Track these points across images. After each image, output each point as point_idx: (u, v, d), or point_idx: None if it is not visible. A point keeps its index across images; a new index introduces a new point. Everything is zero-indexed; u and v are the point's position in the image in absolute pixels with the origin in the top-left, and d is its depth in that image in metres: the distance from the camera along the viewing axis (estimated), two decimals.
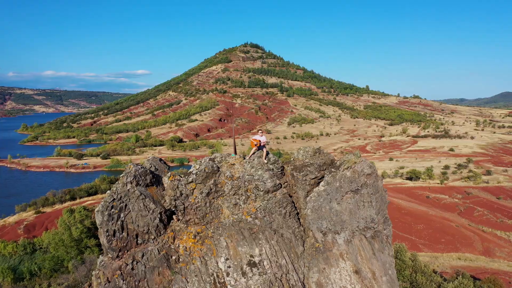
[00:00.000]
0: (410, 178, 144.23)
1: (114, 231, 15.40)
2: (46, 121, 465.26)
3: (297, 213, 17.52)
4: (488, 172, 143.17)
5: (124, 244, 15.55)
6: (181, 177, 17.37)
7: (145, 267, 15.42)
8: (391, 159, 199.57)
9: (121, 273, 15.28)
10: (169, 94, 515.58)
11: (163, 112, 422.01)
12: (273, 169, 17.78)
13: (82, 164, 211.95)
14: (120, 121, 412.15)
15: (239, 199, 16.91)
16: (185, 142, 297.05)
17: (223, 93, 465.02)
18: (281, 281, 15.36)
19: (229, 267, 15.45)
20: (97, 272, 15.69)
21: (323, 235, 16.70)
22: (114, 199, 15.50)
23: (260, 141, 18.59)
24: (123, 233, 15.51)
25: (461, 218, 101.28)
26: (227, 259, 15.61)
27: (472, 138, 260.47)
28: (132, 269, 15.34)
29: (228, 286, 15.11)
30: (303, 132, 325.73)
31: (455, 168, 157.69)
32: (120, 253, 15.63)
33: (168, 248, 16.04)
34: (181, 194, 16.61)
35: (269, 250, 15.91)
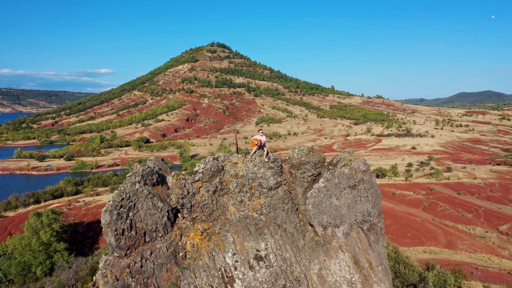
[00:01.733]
0: (376, 176, 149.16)
1: (123, 230, 15.64)
2: (3, 121, 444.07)
3: (297, 209, 18.39)
4: (449, 169, 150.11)
5: (133, 243, 15.84)
6: (188, 176, 17.79)
7: (153, 264, 15.78)
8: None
9: (130, 270, 15.57)
10: (135, 94, 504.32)
11: (128, 112, 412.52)
12: (273, 167, 18.55)
13: (45, 166, 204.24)
14: (84, 121, 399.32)
15: (244, 196, 17.58)
16: (152, 142, 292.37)
17: (190, 93, 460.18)
18: (286, 273, 16.17)
19: (237, 261, 16.09)
20: (104, 271, 15.86)
21: (324, 228, 17.68)
22: (123, 198, 15.74)
23: (260, 140, 19.29)
24: (132, 231, 15.79)
25: (426, 213, 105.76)
26: (234, 254, 16.24)
27: (432, 136, 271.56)
28: (141, 266, 15.67)
29: (236, 280, 15.75)
30: (271, 131, 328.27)
31: (418, 165, 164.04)
32: (128, 252, 15.90)
33: (176, 245, 16.46)
34: (188, 193, 17.04)
35: (274, 244, 16.69)
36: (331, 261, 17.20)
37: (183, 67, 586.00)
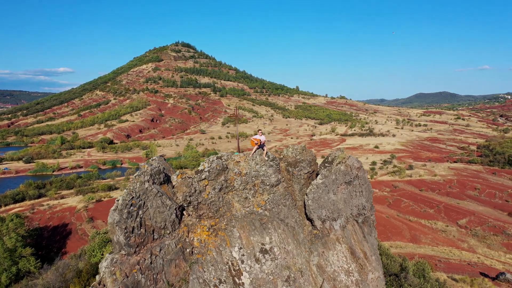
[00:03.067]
0: None
1: (133, 228, 16.07)
2: None
3: (295, 204, 19.45)
4: (410, 167, 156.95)
5: (142, 240, 16.29)
6: (194, 175, 18.40)
7: (163, 260, 16.31)
8: (323, 157, 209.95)
9: (140, 267, 16.02)
10: (97, 94, 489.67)
11: (90, 113, 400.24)
12: (273, 165, 19.50)
13: (2, 169, 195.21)
14: (43, 122, 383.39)
15: (248, 193, 18.42)
16: (116, 143, 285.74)
17: (154, 93, 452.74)
18: (289, 265, 17.18)
19: (243, 255, 16.92)
20: (112, 269, 16.19)
21: (322, 222, 18.85)
22: (133, 197, 16.15)
23: (260, 140, 20.20)
24: (141, 229, 16.25)
25: (391, 209, 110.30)
26: (240, 248, 17.05)
27: (393, 136, 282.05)
28: (151, 263, 16.15)
29: (244, 273, 16.58)
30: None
31: (381, 164, 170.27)
32: (137, 249, 16.32)
33: (184, 241, 17.05)
34: (195, 191, 17.68)
35: (278, 237, 17.65)
36: (329, 252, 18.40)
37: (147, 67, 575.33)
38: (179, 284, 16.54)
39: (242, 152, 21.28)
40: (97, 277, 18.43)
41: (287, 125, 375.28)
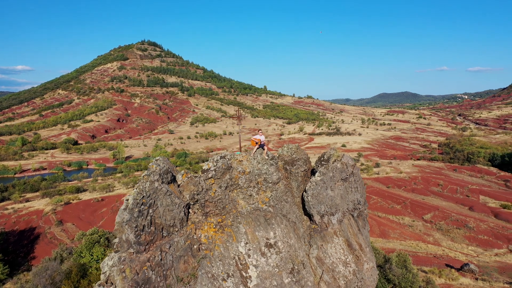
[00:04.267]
0: None
1: (144, 226, 16.51)
2: None
3: (294, 201, 20.44)
4: (377, 165, 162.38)
5: (152, 238, 16.76)
6: (200, 174, 19.00)
7: (172, 257, 16.84)
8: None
9: (150, 264, 16.48)
10: (59, 93, 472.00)
11: (52, 113, 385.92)
12: (274, 164, 20.42)
13: None
14: (1, 122, 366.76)
15: (252, 190, 19.24)
16: (81, 144, 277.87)
17: (120, 92, 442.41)
18: (292, 257, 18.14)
19: (249, 250, 17.72)
20: (122, 267, 16.54)
21: (321, 217, 19.96)
22: (143, 196, 16.59)
23: (260, 140, 21.05)
24: (151, 227, 16.72)
25: None
26: (246, 243, 17.85)
27: (359, 134, 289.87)
28: (161, 259, 16.65)
29: (250, 266, 17.39)
30: (207, 131, 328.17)
31: None
32: (147, 247, 16.78)
33: (192, 238, 17.63)
34: (202, 189, 18.29)
35: (281, 232, 18.58)
36: (328, 245, 19.54)
37: (112, 65, 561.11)
38: (188, 280, 17.14)
39: (244, 151, 22.05)
40: (102, 276, 18.68)
41: (256, 124, 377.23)
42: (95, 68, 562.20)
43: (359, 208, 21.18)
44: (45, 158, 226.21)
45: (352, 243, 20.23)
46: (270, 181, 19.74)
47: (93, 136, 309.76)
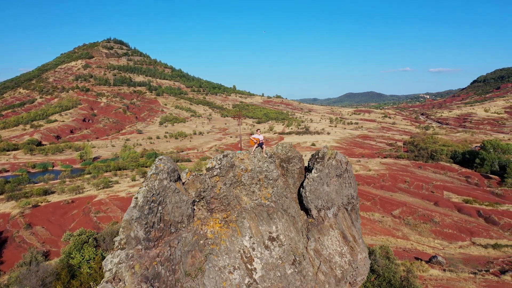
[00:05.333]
0: None
1: (153, 223, 17.07)
2: None
3: (291, 196, 21.54)
4: None
5: (160, 234, 17.35)
6: (205, 172, 19.73)
7: (180, 252, 17.49)
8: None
9: (160, 259, 17.07)
10: (20, 92, 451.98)
11: (13, 112, 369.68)
12: (273, 162, 21.42)
13: None
14: None
15: (255, 187, 20.15)
16: (45, 145, 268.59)
17: (85, 91, 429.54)
18: (293, 250, 19.22)
19: (254, 243, 18.64)
20: (131, 263, 17.04)
21: (318, 211, 21.14)
22: (153, 194, 17.15)
23: (259, 139, 22.01)
24: (161, 223, 17.31)
25: None
26: (251, 237, 18.75)
27: (328, 133, 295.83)
28: (170, 255, 17.27)
29: (255, 259, 18.32)
30: (176, 131, 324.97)
31: None
32: (156, 243, 17.35)
33: (198, 233, 18.34)
34: (208, 186, 19.03)
35: (282, 226, 19.61)
36: (325, 237, 20.76)
37: (76, 64, 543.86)
38: (195, 273, 17.86)
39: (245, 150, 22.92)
40: (108, 273, 19.04)
41: (226, 124, 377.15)
42: (59, 67, 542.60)
43: (353, 202, 22.64)
44: (7, 160, 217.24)
45: (346, 235, 21.60)
46: (270, 178, 20.75)
47: (58, 137, 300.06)
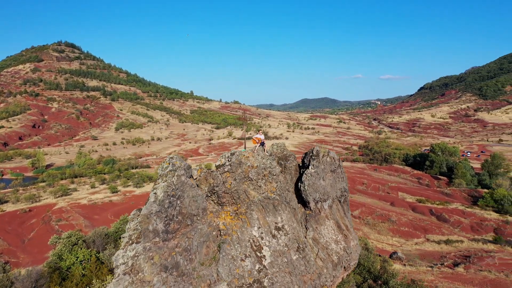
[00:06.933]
0: None
1: (173, 216, 18.39)
2: None
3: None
4: None
5: (178, 226, 18.68)
6: (215, 169, 21.26)
7: (197, 242, 18.89)
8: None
9: (178, 250, 18.39)
10: None
11: None
12: (274, 159, 23.30)
13: None
14: None
15: (261, 182, 21.90)
16: None
17: (35, 96, 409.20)
18: (297, 238, 21.15)
19: (262, 233, 20.38)
20: (150, 254, 18.20)
21: (315, 203, 23.24)
22: (172, 189, 18.48)
23: (261, 139, 23.84)
24: (179, 216, 18.64)
25: None
26: (259, 227, 20.47)
27: (286, 138, 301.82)
28: (187, 245, 18.63)
29: (264, 247, 20.07)
30: (133, 137, 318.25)
31: None
32: (173, 235, 18.65)
33: (212, 225, 19.80)
34: (220, 182, 20.57)
35: (286, 217, 21.49)
36: (321, 227, 22.88)
37: (24, 67, 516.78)
38: (209, 262, 19.33)
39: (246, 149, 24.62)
40: (123, 267, 20.01)
41: (184, 129, 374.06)
42: (4, 70, 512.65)
43: (345, 195, 25.04)
44: None
45: (340, 224, 23.89)
46: (274, 174, 22.65)
47: (5, 144, 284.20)
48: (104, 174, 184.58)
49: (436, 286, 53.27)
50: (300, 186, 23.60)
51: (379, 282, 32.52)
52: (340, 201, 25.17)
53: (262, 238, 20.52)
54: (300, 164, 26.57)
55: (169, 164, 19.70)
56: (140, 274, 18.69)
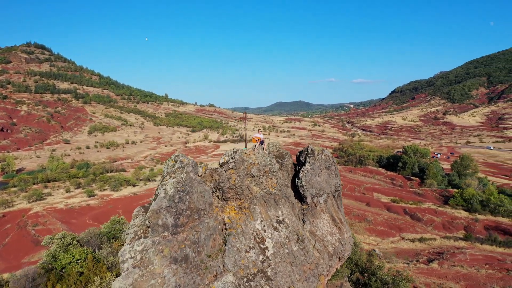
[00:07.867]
0: None
1: (182, 210, 19.37)
2: None
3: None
4: None
5: (187, 220, 19.66)
6: (220, 166, 22.38)
7: (204, 235, 19.92)
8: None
9: (187, 243, 19.36)
10: None
11: None
12: (273, 157, 24.60)
13: None
14: None
15: (262, 178, 23.14)
16: None
17: (2, 99, 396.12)
18: (296, 230, 22.50)
19: (264, 226, 21.61)
20: (160, 247, 19.09)
21: (312, 198, 24.68)
22: (182, 184, 19.47)
23: (260, 137, 25.13)
24: (188, 211, 19.64)
25: None
26: (261, 221, 21.70)
27: None
28: (196, 238, 19.63)
29: (267, 239, 21.31)
30: (107, 141, 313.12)
31: None
32: (182, 228, 19.62)
33: (218, 219, 20.89)
34: (225, 178, 21.70)
35: (286, 211, 22.82)
36: (317, 220, 24.33)
37: None
38: (216, 254, 20.42)
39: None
40: (131, 261, 20.79)
41: (159, 133, 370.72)
42: None
43: (339, 190, 26.66)
44: None
45: (335, 218, 25.44)
46: (274, 170, 23.97)
47: None
48: (79, 178, 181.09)
49: (414, 280, 55.67)
50: (297, 182, 25.05)
51: (366, 274, 34.31)
52: (334, 196, 26.81)
53: (264, 231, 21.77)
54: (295, 162, 28.05)
55: (176, 161, 20.67)
56: (150, 266, 19.53)
